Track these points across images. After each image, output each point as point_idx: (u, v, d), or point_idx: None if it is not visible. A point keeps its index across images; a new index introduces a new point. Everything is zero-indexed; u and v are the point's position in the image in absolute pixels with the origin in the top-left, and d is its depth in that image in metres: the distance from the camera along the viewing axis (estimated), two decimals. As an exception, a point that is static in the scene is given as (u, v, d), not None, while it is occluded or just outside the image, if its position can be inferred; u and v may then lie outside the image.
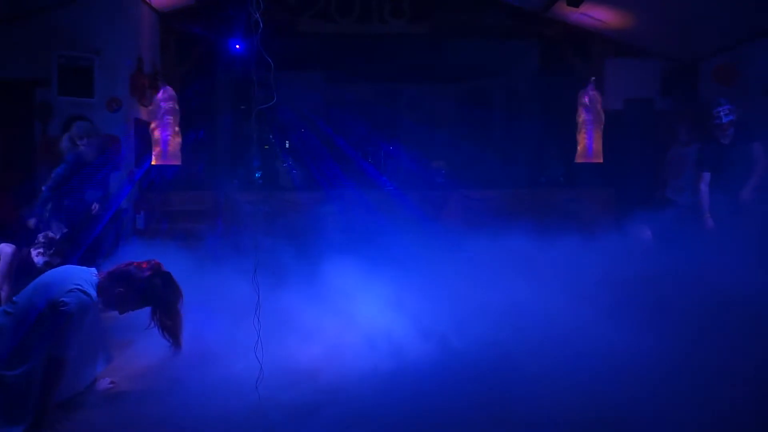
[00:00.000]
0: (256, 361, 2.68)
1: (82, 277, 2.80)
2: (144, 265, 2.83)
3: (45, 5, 6.25)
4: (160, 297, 2.82)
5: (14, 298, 2.82)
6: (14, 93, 6.31)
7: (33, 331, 2.63)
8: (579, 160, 7.83)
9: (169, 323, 2.83)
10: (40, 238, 4.18)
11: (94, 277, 2.83)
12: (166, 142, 6.99)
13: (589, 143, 7.67)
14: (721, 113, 5.15)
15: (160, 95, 6.99)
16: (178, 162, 7.18)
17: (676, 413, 2.48)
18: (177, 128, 7.19)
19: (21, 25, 6.26)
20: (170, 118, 7.00)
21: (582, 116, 7.70)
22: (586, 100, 7.66)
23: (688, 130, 6.28)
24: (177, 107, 7.19)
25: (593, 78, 7.46)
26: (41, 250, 4.12)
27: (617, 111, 7.89)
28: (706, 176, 5.24)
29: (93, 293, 2.76)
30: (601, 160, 7.68)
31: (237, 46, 7.37)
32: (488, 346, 3.31)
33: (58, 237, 4.33)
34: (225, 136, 9.76)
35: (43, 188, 5.02)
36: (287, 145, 10.26)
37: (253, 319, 2.68)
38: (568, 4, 7.11)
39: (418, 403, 2.72)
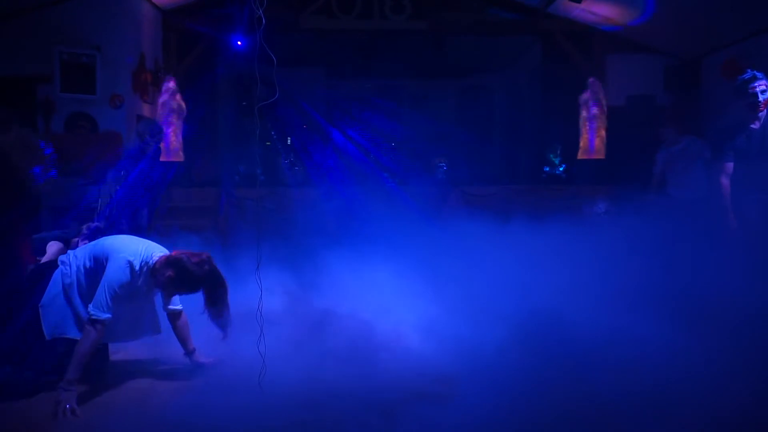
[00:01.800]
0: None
1: (142, 253, 2.88)
2: (196, 255, 2.90)
3: (46, 1, 6.25)
4: (207, 287, 2.88)
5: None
6: (16, 89, 6.31)
7: (86, 276, 2.90)
8: (581, 156, 7.83)
9: (215, 311, 2.89)
10: (84, 229, 4.22)
11: (152, 260, 2.88)
12: (168, 139, 7.00)
13: (591, 139, 7.67)
14: (758, 89, 4.12)
15: (163, 91, 7.00)
16: (180, 158, 7.19)
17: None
18: (179, 124, 7.20)
19: (22, 22, 6.26)
20: (172, 115, 7.02)
21: (584, 113, 7.70)
22: (588, 96, 7.67)
23: (673, 130, 6.21)
24: (180, 103, 7.20)
25: (591, 80, 7.46)
26: (87, 241, 4.17)
27: (620, 107, 7.87)
28: (729, 167, 4.27)
29: (138, 271, 2.83)
30: (603, 157, 7.68)
31: (239, 43, 7.36)
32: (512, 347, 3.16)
33: (103, 227, 4.33)
34: (227, 133, 9.77)
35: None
36: (289, 142, 10.27)
37: (257, 316, 2.69)
38: (570, 0, 7.09)
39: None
